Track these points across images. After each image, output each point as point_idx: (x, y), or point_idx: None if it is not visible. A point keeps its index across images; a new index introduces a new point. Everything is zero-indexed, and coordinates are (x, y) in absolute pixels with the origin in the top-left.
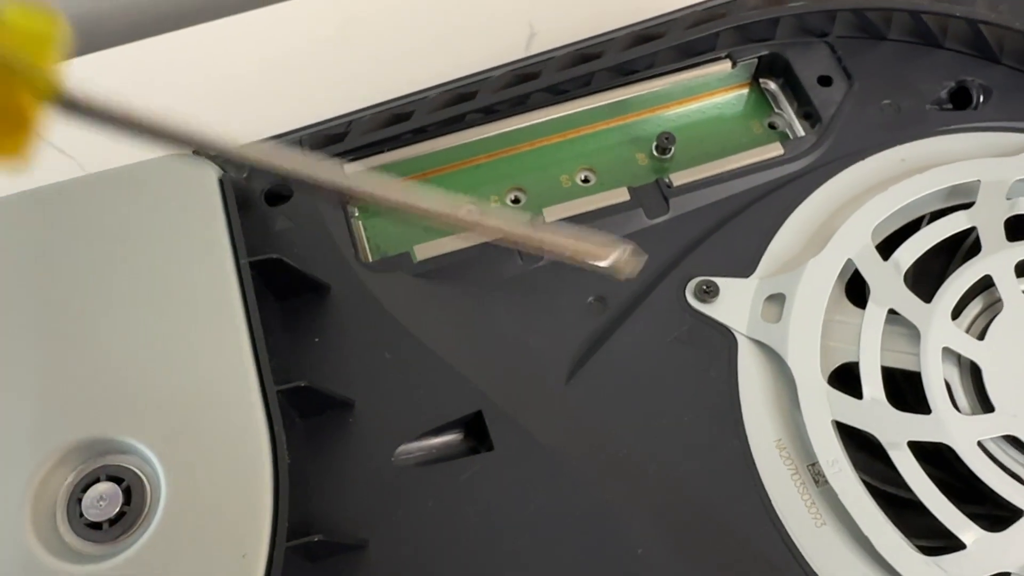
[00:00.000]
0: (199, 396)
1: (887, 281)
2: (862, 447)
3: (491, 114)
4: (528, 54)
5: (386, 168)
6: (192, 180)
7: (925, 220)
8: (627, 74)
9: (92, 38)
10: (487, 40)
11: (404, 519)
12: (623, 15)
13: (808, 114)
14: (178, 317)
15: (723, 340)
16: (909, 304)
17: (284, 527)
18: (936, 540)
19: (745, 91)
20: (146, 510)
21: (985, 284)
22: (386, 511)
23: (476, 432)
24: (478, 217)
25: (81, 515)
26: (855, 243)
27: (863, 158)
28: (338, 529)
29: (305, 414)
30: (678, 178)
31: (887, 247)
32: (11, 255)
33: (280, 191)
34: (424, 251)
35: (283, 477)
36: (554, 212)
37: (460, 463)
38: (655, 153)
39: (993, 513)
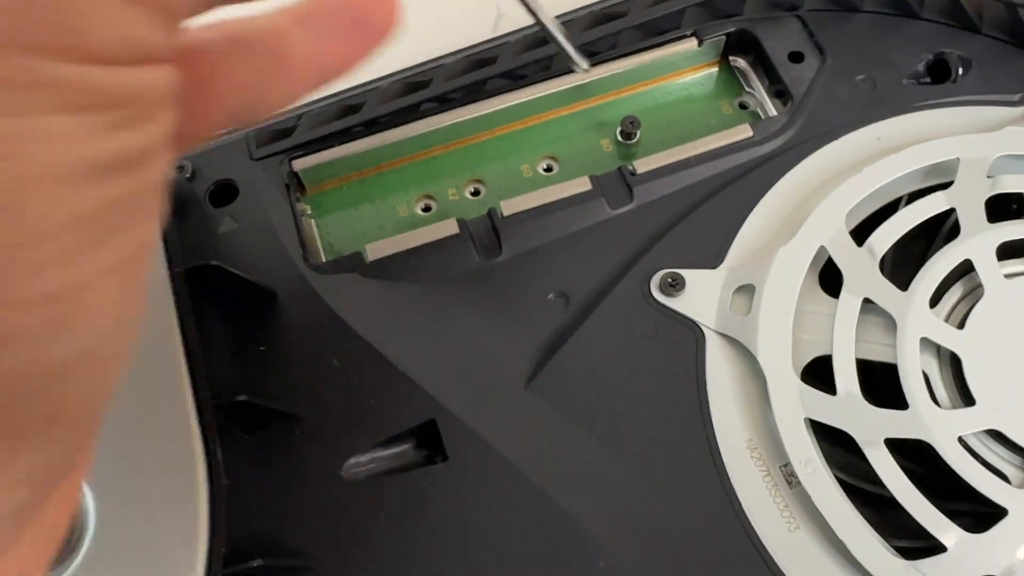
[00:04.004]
0: (130, 416)
1: (861, 268)
2: (838, 443)
3: (447, 103)
4: (496, 34)
5: (337, 163)
6: None
7: (902, 202)
8: (589, 56)
9: None
10: (453, 24)
11: (354, 536)
12: None
13: (780, 92)
14: None
15: (690, 335)
16: (885, 292)
17: (220, 554)
18: (917, 541)
19: (714, 70)
20: (73, 540)
21: (965, 269)
22: (334, 528)
23: (429, 442)
24: None
25: None
26: (828, 229)
27: (837, 138)
28: (283, 550)
29: (248, 429)
30: (642, 165)
31: (862, 232)
32: None
33: (225, 190)
34: (377, 250)
35: (220, 500)
36: (511, 205)
37: (413, 475)
38: (619, 139)
39: (976, 510)
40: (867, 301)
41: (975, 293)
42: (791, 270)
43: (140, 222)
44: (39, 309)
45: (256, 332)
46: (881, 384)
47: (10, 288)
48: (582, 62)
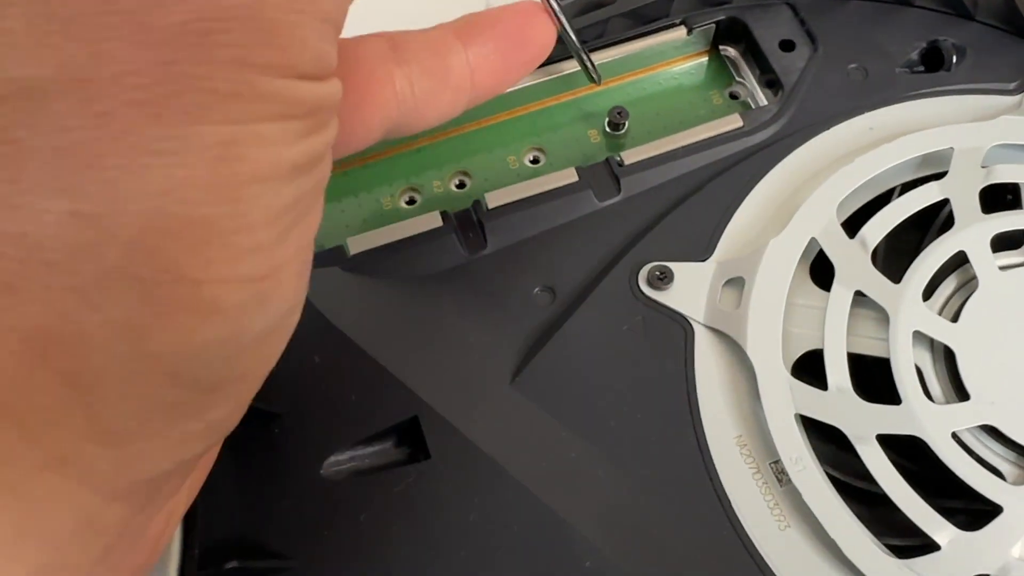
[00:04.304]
0: None
1: (853, 261)
2: (830, 439)
3: None
4: None
5: None
6: None
7: (896, 193)
8: None
9: None
10: (441, 14)
11: (334, 535)
12: None
13: (771, 82)
14: None
15: (679, 329)
16: (877, 285)
17: (193, 556)
18: (910, 539)
19: (704, 59)
20: None
21: (959, 261)
22: (314, 528)
23: (412, 440)
24: None
25: None
26: (819, 220)
27: (828, 127)
28: (260, 551)
29: None
30: (630, 156)
31: (854, 223)
32: None
33: None
34: (359, 243)
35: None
36: (496, 197)
37: (394, 473)
38: (608, 130)
39: (971, 508)
40: (859, 294)
41: (969, 285)
42: (781, 263)
43: (313, 215)
44: (245, 287)
45: None
46: (873, 379)
47: (224, 269)
48: (597, 75)
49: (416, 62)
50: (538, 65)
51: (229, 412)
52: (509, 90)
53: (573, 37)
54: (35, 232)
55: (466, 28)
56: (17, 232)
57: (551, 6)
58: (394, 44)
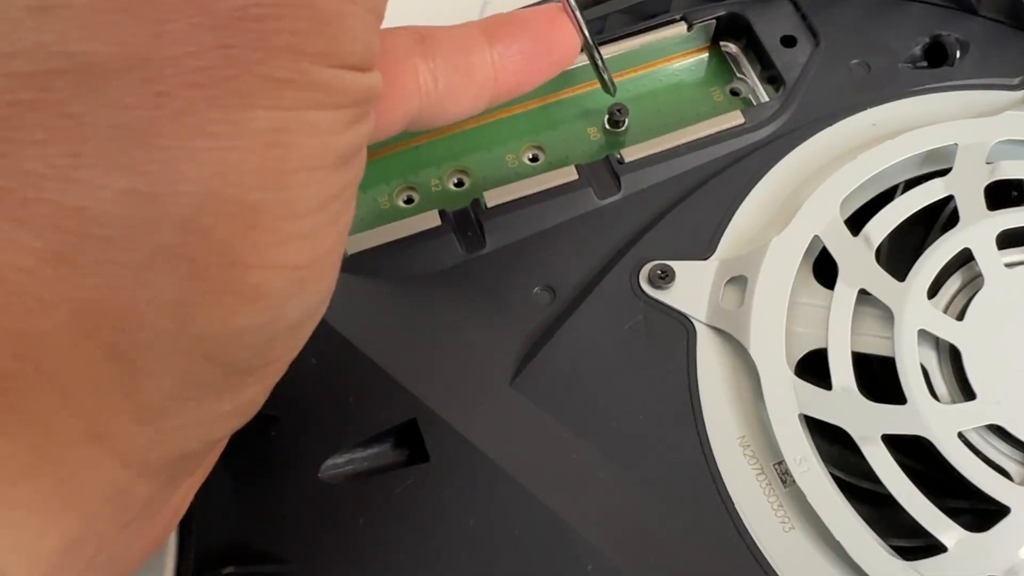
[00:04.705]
0: None
1: (857, 259)
2: (834, 440)
3: None
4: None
5: None
6: None
7: (899, 190)
8: None
9: None
10: (439, 10)
11: (332, 539)
12: None
13: (772, 78)
14: None
15: (680, 329)
16: (881, 283)
17: (190, 561)
18: (916, 540)
19: (705, 56)
20: None
21: (964, 258)
22: (311, 532)
23: (410, 442)
24: None
25: None
26: (822, 218)
27: (831, 124)
28: (257, 555)
29: None
30: (630, 153)
31: (858, 221)
32: None
33: None
34: (356, 243)
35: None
36: (495, 195)
37: (393, 476)
38: (607, 127)
39: (977, 508)
40: (863, 292)
41: (975, 283)
42: (784, 261)
43: (351, 206)
44: (288, 274)
45: None
46: (878, 378)
47: (270, 255)
48: (613, 87)
49: (441, 57)
50: (563, 70)
51: (256, 395)
52: None
53: (593, 44)
54: (92, 207)
55: (493, 27)
56: (76, 206)
57: (575, 17)
58: (421, 38)
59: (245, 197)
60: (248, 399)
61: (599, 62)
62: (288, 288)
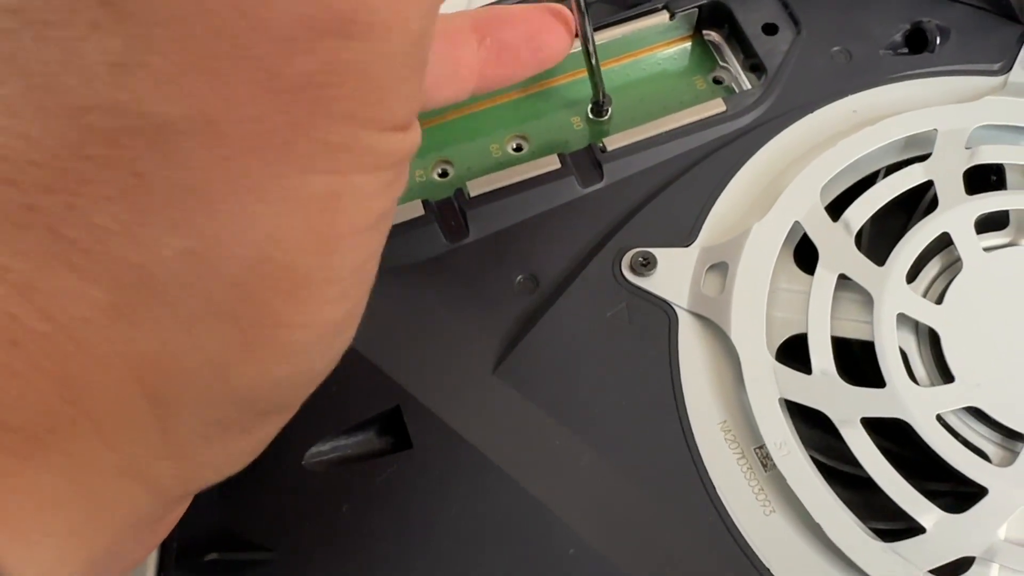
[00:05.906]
0: None
1: (837, 244)
2: (815, 424)
3: None
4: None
5: None
6: None
7: (880, 176)
8: None
9: None
10: None
11: (315, 526)
12: None
13: (754, 66)
14: None
15: (662, 316)
16: (861, 268)
17: (172, 549)
18: (895, 522)
19: (688, 45)
20: None
21: (943, 243)
22: (295, 519)
23: (394, 429)
24: None
25: None
26: (803, 204)
27: (812, 111)
28: (241, 543)
29: None
30: (612, 142)
31: (838, 207)
32: None
33: None
34: None
35: None
36: (478, 185)
37: (376, 463)
38: (591, 116)
39: (956, 490)
40: (843, 277)
41: (953, 267)
42: (765, 247)
43: (378, 260)
44: (323, 330)
45: None
46: (858, 363)
47: (310, 314)
48: (606, 98)
49: None
50: (548, 68)
51: (275, 431)
52: None
53: (593, 51)
54: (151, 264)
55: (484, 20)
56: (136, 261)
57: (582, 25)
58: None
59: (293, 261)
60: (267, 435)
61: (597, 69)
62: (321, 343)
